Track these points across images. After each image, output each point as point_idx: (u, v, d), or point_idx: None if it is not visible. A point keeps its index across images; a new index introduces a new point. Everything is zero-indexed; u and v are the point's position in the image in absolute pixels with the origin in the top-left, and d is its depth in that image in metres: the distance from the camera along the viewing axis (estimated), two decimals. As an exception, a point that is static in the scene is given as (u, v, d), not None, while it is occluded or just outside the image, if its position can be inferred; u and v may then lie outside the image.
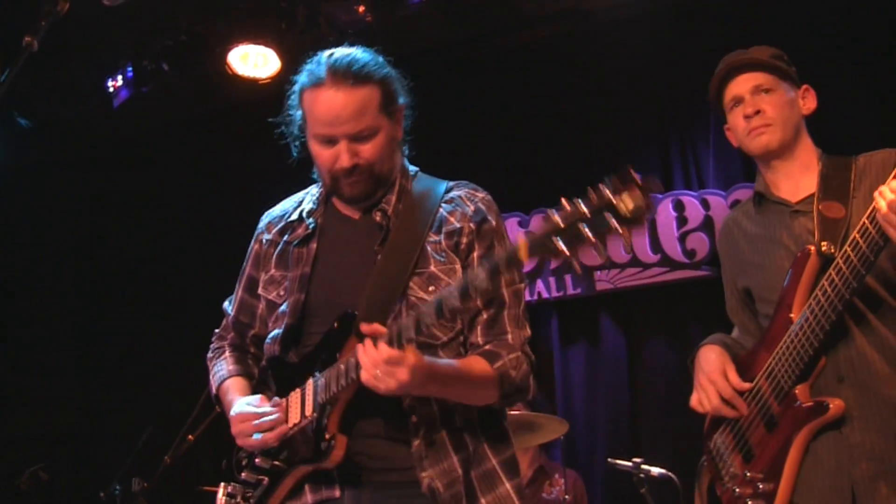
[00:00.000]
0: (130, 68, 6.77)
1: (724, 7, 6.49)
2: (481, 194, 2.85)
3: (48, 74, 6.86)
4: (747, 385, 3.04)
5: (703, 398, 3.13)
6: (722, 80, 3.22)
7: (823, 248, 2.88)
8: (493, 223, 2.78)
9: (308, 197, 2.96)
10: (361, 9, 5.83)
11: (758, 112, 3.11)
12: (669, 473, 4.98)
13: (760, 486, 2.94)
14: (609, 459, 5.20)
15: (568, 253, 2.13)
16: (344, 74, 2.65)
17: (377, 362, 2.36)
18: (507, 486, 2.66)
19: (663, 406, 6.39)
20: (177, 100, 7.22)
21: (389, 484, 2.60)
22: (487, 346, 2.66)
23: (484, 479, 2.63)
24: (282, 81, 6.42)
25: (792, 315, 2.91)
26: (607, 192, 2.07)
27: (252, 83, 6.53)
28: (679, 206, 6.43)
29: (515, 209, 6.89)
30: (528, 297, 6.67)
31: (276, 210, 3.03)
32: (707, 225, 6.35)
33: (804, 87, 3.21)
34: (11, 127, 7.50)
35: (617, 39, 6.71)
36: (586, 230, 2.09)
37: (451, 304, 2.33)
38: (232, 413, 2.73)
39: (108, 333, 8.23)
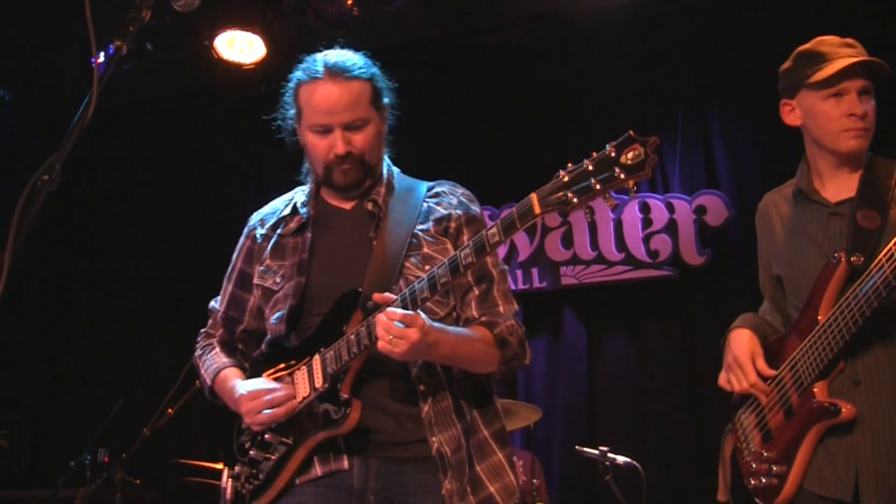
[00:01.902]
0: (112, 46, 6.79)
1: (692, 16, 6.71)
2: (461, 189, 3.08)
3: (32, 50, 6.91)
4: (773, 372, 3.15)
5: (732, 379, 3.23)
6: (842, 73, 3.07)
7: (853, 260, 2.95)
8: (478, 212, 3.02)
9: (298, 194, 3.12)
10: (349, 2, 5.91)
11: (865, 115, 3.07)
12: (634, 462, 5.12)
13: (774, 468, 3.10)
14: (577, 447, 5.34)
15: (576, 203, 2.31)
16: (340, 70, 2.88)
17: (390, 326, 2.52)
18: (500, 454, 2.84)
19: (620, 398, 6.59)
20: (158, 78, 7.24)
21: (397, 459, 2.74)
22: (483, 318, 2.85)
23: (478, 448, 2.81)
24: (266, 67, 6.54)
25: (819, 317, 3.01)
26: (610, 147, 2.28)
27: (234, 67, 6.59)
28: (645, 209, 6.62)
29: (487, 203, 6.97)
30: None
31: (267, 208, 3.19)
32: (671, 227, 6.56)
33: None
34: (-7, 99, 7.52)
35: (588, 44, 6.87)
36: (593, 181, 2.28)
37: (444, 279, 2.55)
38: (241, 392, 2.85)
39: (74, 303, 8.26)
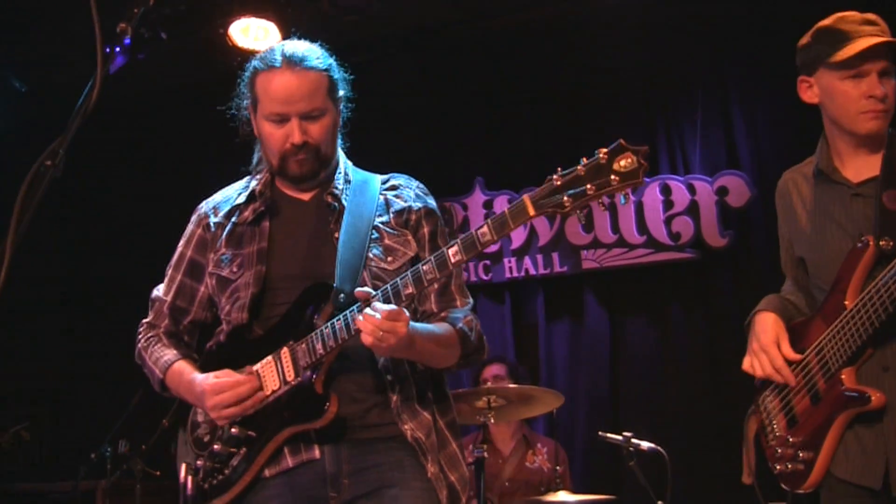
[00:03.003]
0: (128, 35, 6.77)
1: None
2: (416, 182, 3.11)
3: (45, 38, 6.89)
4: (798, 357, 3.10)
5: (756, 364, 3.19)
6: (863, 54, 2.99)
7: (882, 244, 2.91)
8: (435, 206, 3.06)
9: (252, 183, 3.08)
10: (364, -14, 5.88)
11: (885, 97, 3.01)
12: (658, 448, 5.07)
13: (801, 454, 3.06)
14: (600, 433, 5.29)
15: (571, 207, 2.35)
16: (297, 60, 2.87)
17: (380, 323, 2.52)
18: (454, 445, 2.89)
19: (643, 383, 6.56)
20: (173, 67, 7.23)
21: (366, 440, 2.76)
22: (442, 313, 2.90)
23: (438, 435, 2.85)
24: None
25: (846, 302, 2.96)
26: (602, 154, 2.32)
27: (249, 55, 6.55)
28: (666, 190, 6.56)
29: (505, 187, 7.00)
30: (515, 274, 6.82)
31: (218, 196, 3.16)
32: (692, 209, 6.49)
33: None
34: (7, 90, 7.49)
35: (606, 24, 6.79)
36: (588, 186, 2.32)
37: (429, 276, 2.57)
38: (204, 386, 2.79)
39: (93, 294, 8.25)
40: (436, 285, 2.88)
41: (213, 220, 3.06)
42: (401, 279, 2.61)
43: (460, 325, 2.87)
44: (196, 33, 6.56)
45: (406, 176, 3.12)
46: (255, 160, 3.14)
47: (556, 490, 5.07)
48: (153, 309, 3.15)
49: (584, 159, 2.34)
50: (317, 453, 2.75)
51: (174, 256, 3.14)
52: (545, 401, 5.35)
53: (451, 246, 2.55)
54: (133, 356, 7.69)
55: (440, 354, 2.84)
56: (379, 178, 3.08)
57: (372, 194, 2.99)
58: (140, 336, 3.16)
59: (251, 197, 3.02)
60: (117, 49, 7.02)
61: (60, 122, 2.26)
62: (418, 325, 2.75)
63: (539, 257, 6.88)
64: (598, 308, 6.79)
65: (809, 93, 3.18)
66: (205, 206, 3.15)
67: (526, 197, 2.43)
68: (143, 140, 8.23)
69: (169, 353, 3.02)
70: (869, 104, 3.02)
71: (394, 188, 3.04)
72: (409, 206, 2.98)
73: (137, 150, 8.26)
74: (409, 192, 3.04)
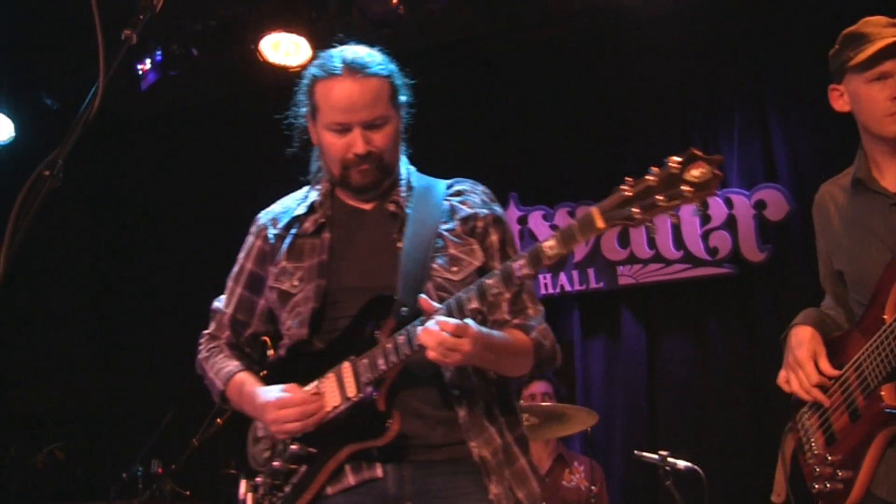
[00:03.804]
0: (159, 52, 6.81)
1: (748, 5, 6.54)
2: (482, 187, 2.99)
3: (77, 55, 6.90)
4: (836, 372, 3.02)
5: (793, 379, 3.10)
6: (880, 55, 2.96)
7: None
8: (501, 212, 2.95)
9: (311, 193, 3.00)
10: (395, 0, 5.85)
11: None
12: (695, 467, 5.01)
13: (840, 473, 2.97)
14: (636, 452, 5.24)
15: (641, 218, 2.21)
16: (359, 67, 2.77)
17: (444, 339, 2.43)
18: (522, 460, 2.77)
19: (680, 400, 6.46)
20: (204, 84, 7.25)
21: (431, 462, 2.66)
22: (515, 321, 2.78)
23: (505, 451, 2.73)
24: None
25: (885, 316, 2.87)
26: (673, 163, 2.17)
27: (280, 70, 6.55)
28: (703, 204, 6.44)
29: (540, 203, 6.92)
30: (550, 290, 6.75)
31: (277, 207, 3.07)
32: (730, 223, 6.41)
33: None
34: (38, 107, 7.52)
35: (641, 37, 6.74)
36: (659, 197, 2.17)
37: (494, 290, 2.46)
38: (266, 400, 2.72)
39: (127, 313, 8.25)
40: (507, 294, 2.74)
41: (272, 231, 2.98)
42: (465, 293, 2.50)
43: (534, 333, 2.78)
44: (227, 49, 6.57)
45: (471, 181, 3.01)
46: (313, 168, 3.05)
47: (592, 510, 5.01)
48: (214, 320, 3.09)
49: (655, 168, 2.20)
50: (379, 472, 2.66)
51: (234, 268, 3.07)
52: (579, 419, 5.27)
53: (517, 260, 2.44)
54: (164, 376, 7.69)
55: (513, 363, 2.75)
56: (444, 183, 2.98)
57: (436, 201, 2.89)
58: (201, 347, 3.09)
59: (311, 208, 2.95)
60: (148, 65, 6.98)
61: (90, 139, 2.21)
62: (492, 333, 2.65)
63: (575, 273, 6.81)
64: (634, 324, 6.72)
65: (840, 101, 3.12)
66: (263, 217, 3.07)
67: (594, 209, 2.28)
68: (176, 156, 8.26)
69: (230, 365, 2.95)
70: (894, 106, 2.95)
71: (459, 194, 2.93)
72: (476, 213, 2.87)
73: (171, 167, 8.29)
74: (476, 197, 2.93)
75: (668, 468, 5.03)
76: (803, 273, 5.87)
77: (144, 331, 8.10)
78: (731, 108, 6.60)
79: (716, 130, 6.64)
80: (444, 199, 2.90)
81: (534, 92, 7.16)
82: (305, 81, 2.89)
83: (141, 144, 8.28)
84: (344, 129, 2.76)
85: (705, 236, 6.46)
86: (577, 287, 6.79)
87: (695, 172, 2.15)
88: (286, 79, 6.68)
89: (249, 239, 3.05)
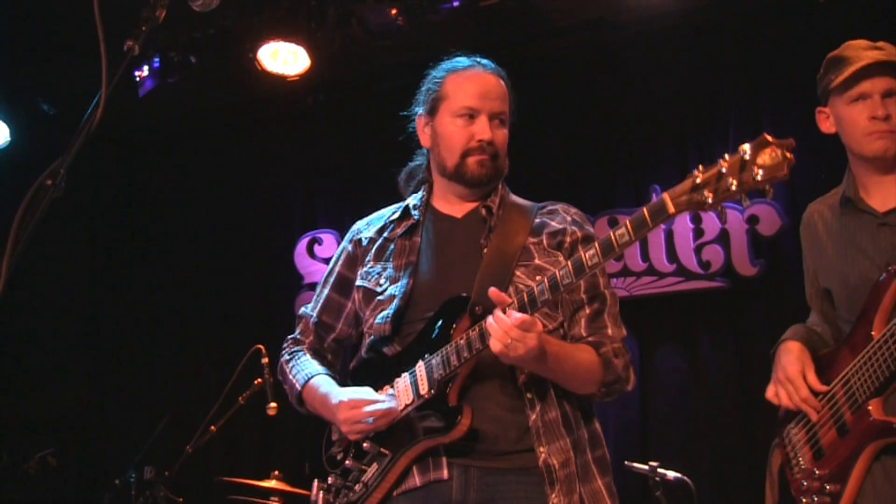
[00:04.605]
0: (157, 59, 6.82)
1: (747, 23, 6.59)
2: (574, 209, 3.04)
3: (74, 61, 6.92)
4: (824, 388, 3.07)
5: (782, 394, 3.16)
6: (857, 75, 3.07)
7: None
8: (592, 233, 2.97)
9: (410, 200, 3.08)
10: (394, 11, 5.86)
11: (887, 117, 3.04)
12: (685, 478, 5.02)
13: (828, 487, 3.02)
14: (626, 462, 5.24)
15: (714, 201, 2.23)
16: (493, 67, 2.98)
17: (510, 329, 2.45)
18: (600, 482, 2.77)
19: (672, 412, 6.46)
20: (202, 92, 7.26)
21: (498, 470, 2.67)
22: (591, 338, 2.80)
23: (583, 468, 2.73)
24: (310, 79, 6.52)
25: (873, 333, 2.94)
26: (745, 149, 2.20)
27: (278, 79, 6.57)
28: (696, 219, 6.49)
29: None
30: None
31: (373, 215, 3.16)
32: (723, 238, 6.42)
33: None
34: (35, 113, 7.53)
35: (639, 51, 6.77)
36: (731, 181, 2.19)
37: (566, 280, 2.48)
38: (340, 399, 2.78)
39: (120, 320, 8.24)
40: (587, 310, 2.82)
41: (364, 234, 3.07)
42: (538, 286, 2.53)
43: (604, 349, 2.78)
44: (225, 58, 6.58)
45: (565, 203, 3.06)
46: (402, 177, 3.16)
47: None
48: (300, 325, 3.16)
49: (727, 155, 2.23)
50: (445, 474, 2.69)
51: (325, 273, 3.15)
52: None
53: (588, 249, 2.46)
54: (158, 383, 7.69)
55: (576, 377, 2.73)
56: (537, 204, 3.04)
57: (527, 215, 2.94)
58: (284, 350, 3.16)
59: (404, 213, 3.03)
60: (146, 72, 6.98)
61: (89, 146, 2.23)
62: (556, 340, 2.68)
63: (569, 285, 6.79)
64: (627, 337, 6.67)
65: (826, 123, 3.23)
66: (359, 223, 3.16)
67: (665, 194, 2.32)
68: (172, 164, 8.27)
69: (310, 367, 3.02)
70: (872, 125, 3.04)
71: (551, 212, 2.99)
72: (565, 229, 2.91)
73: (167, 175, 8.30)
74: (566, 216, 2.97)
75: (657, 479, 5.03)
76: (795, 288, 5.82)
77: (138, 337, 8.10)
78: (727, 124, 6.62)
79: (712, 145, 6.64)
80: (536, 216, 2.94)
81: (530, 105, 7.15)
82: (435, 76, 3.00)
83: (137, 152, 8.29)
84: (473, 114, 2.88)
85: (698, 250, 6.47)
86: (571, 299, 6.77)
87: (766, 156, 2.18)
88: (284, 88, 6.79)
89: (342, 244, 3.13)
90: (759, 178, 2.16)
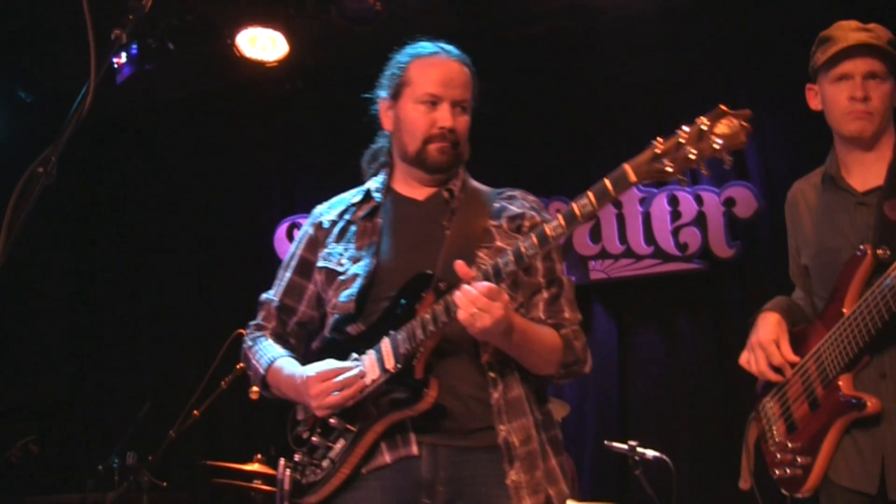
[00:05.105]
0: (135, 46, 6.80)
1: (724, 8, 6.62)
2: (532, 197, 3.08)
3: (53, 50, 6.90)
4: (796, 358, 3.15)
5: (752, 360, 3.24)
6: (839, 55, 3.13)
7: (879, 253, 2.96)
8: (550, 218, 2.96)
9: (370, 183, 3.10)
10: (372, -2, 5.88)
11: (865, 98, 3.09)
12: (663, 456, 5.09)
13: (799, 459, 3.10)
14: (605, 442, 5.31)
15: (675, 170, 2.32)
16: (457, 54, 2.99)
17: (476, 298, 2.49)
18: (554, 461, 2.80)
19: (651, 393, 6.54)
20: (180, 78, 7.24)
21: (466, 449, 2.70)
22: (550, 321, 2.84)
23: (541, 447, 2.77)
24: (289, 65, 6.52)
25: (844, 310, 3.00)
26: (702, 120, 2.29)
27: (257, 65, 6.57)
28: (673, 201, 6.56)
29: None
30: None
31: (334, 200, 3.17)
32: (699, 220, 6.49)
33: None
34: (12, 101, 7.50)
35: (618, 36, 6.77)
36: (689, 149, 2.29)
37: (531, 251, 2.51)
38: (308, 375, 2.78)
39: (101, 306, 8.25)
40: (545, 294, 2.86)
41: (326, 217, 3.08)
42: (502, 258, 2.56)
43: (564, 331, 2.83)
44: (204, 44, 6.56)
45: (523, 190, 3.10)
46: (366, 158, 3.17)
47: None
48: (261, 310, 3.16)
49: (685, 126, 2.31)
50: (414, 449, 2.70)
51: (286, 257, 3.16)
52: (551, 410, 5.33)
53: (552, 221, 2.50)
54: (140, 368, 7.68)
55: (539, 355, 2.77)
56: (496, 190, 3.07)
57: (487, 200, 2.98)
58: (246, 337, 3.16)
59: (366, 196, 3.05)
60: (123, 59, 6.97)
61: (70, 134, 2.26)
62: (521, 318, 2.71)
63: (547, 267, 6.84)
64: (606, 318, 6.79)
65: (815, 100, 3.28)
66: (320, 207, 3.17)
67: (626, 164, 2.39)
68: (150, 150, 8.25)
69: (272, 351, 3.02)
70: (851, 106, 3.11)
71: (509, 198, 3.02)
72: (524, 213, 2.94)
73: (146, 162, 8.29)
74: (525, 202, 3.01)
75: (637, 458, 5.10)
76: (771, 269, 5.94)
77: (120, 323, 8.10)
78: (704, 107, 6.65)
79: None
80: (495, 201, 2.98)
81: (510, 89, 7.19)
82: (399, 61, 3.01)
83: (115, 138, 8.27)
84: (436, 101, 2.90)
85: (675, 232, 6.54)
86: (550, 281, 6.81)
87: (723, 127, 2.27)
88: (263, 74, 6.79)
89: (303, 229, 3.14)
90: (716, 146, 2.26)
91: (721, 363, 6.28)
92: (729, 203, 6.44)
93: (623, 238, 6.69)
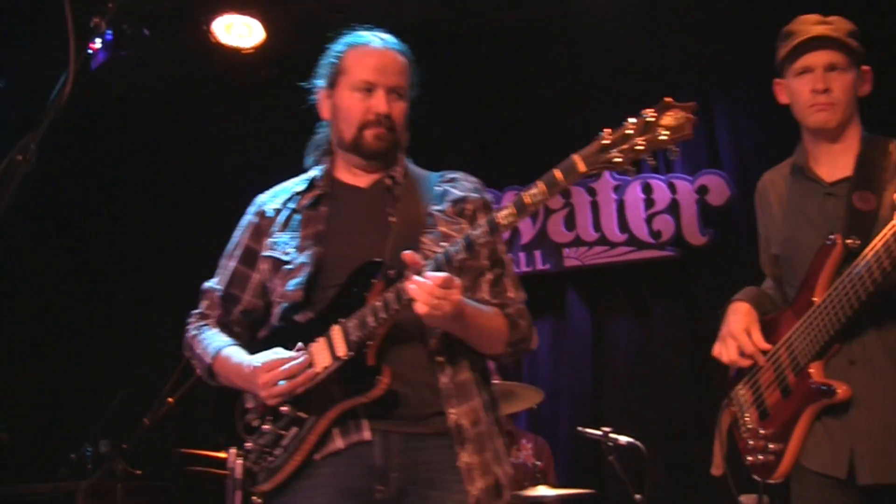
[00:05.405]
0: (110, 32, 6.76)
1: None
2: (474, 178, 3.10)
3: (24, 35, 6.85)
4: (768, 346, 3.20)
5: (723, 350, 3.29)
6: (798, 48, 3.19)
7: (849, 243, 3.01)
8: (491, 200, 3.07)
9: (312, 172, 3.11)
10: (350, -18, 5.87)
11: (826, 90, 3.14)
12: (636, 442, 5.13)
13: (771, 445, 3.15)
14: (578, 428, 5.35)
15: (624, 160, 2.38)
16: (392, 42, 3.00)
17: (433, 289, 2.52)
18: (500, 441, 2.86)
19: (625, 379, 6.59)
20: (156, 64, 7.20)
21: (418, 435, 2.73)
22: (495, 301, 2.88)
23: (487, 426, 2.82)
24: (265, 52, 6.48)
25: (814, 298, 3.05)
26: (649, 112, 2.37)
27: (233, 52, 6.55)
28: (647, 189, 6.61)
29: (489, 185, 6.95)
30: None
31: (276, 188, 3.17)
32: (673, 208, 6.55)
33: (865, 68, 3.24)
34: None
35: (590, 24, 6.77)
36: (637, 140, 2.36)
37: (482, 239, 2.56)
38: (255, 364, 2.79)
39: (74, 293, 8.19)
40: (489, 275, 2.90)
41: (269, 206, 3.09)
42: (452, 246, 2.59)
43: (509, 310, 2.87)
44: (179, 30, 6.53)
45: (463, 172, 3.12)
46: (308, 149, 3.18)
47: (536, 485, 5.10)
48: (204, 299, 3.15)
49: (632, 118, 2.38)
50: (367, 435, 2.71)
51: (229, 246, 3.15)
52: (526, 396, 5.39)
53: (503, 210, 2.54)
54: (114, 355, 7.61)
55: (488, 336, 2.82)
56: (437, 173, 3.10)
57: (429, 185, 3.01)
58: (189, 325, 3.14)
59: (310, 185, 3.06)
60: (98, 45, 6.93)
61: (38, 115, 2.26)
62: (472, 302, 2.74)
63: (521, 255, 6.91)
64: (580, 305, 6.83)
65: (783, 95, 3.34)
66: (262, 196, 3.17)
67: (575, 155, 2.43)
68: (125, 137, 8.20)
69: (219, 340, 3.01)
70: (813, 98, 3.17)
71: (451, 180, 3.05)
72: (467, 196, 2.97)
73: (120, 148, 8.23)
74: (467, 184, 3.04)
75: (610, 444, 5.14)
76: (743, 256, 5.95)
77: (93, 310, 8.05)
78: (677, 97, 6.67)
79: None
80: (437, 185, 3.01)
81: (483, 76, 7.22)
82: (335, 50, 3.03)
83: (89, 125, 8.22)
84: (370, 88, 2.92)
85: (649, 220, 6.60)
86: (524, 268, 6.88)
87: (671, 118, 2.34)
88: (239, 61, 6.76)
89: (246, 217, 3.14)
90: (663, 138, 2.34)
91: (694, 349, 6.33)
92: (702, 191, 6.50)
93: (597, 225, 6.73)
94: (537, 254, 6.89)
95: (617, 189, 6.70)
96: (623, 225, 6.67)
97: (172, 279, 7.90)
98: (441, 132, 7.07)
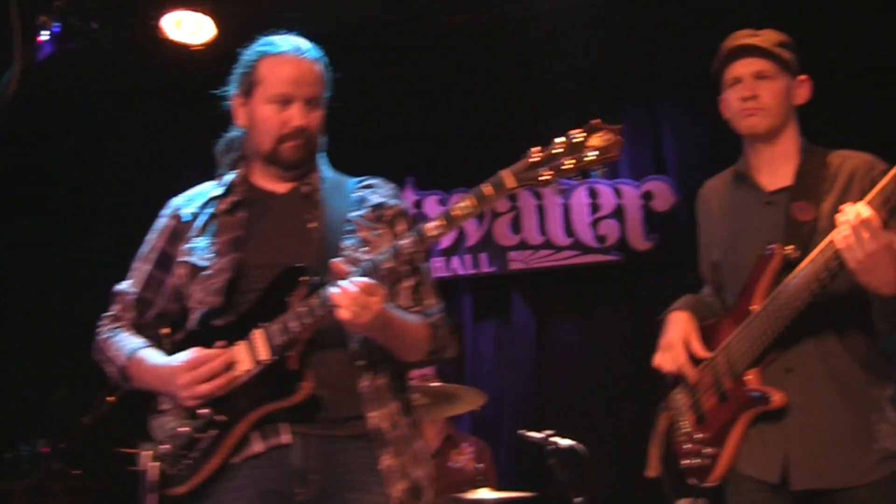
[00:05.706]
0: (57, 24, 6.65)
1: (646, 7, 6.71)
2: (391, 184, 3.14)
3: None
4: (707, 354, 3.25)
5: (664, 360, 3.36)
6: (726, 59, 3.30)
7: (787, 252, 3.07)
8: (407, 206, 3.11)
9: (226, 178, 3.10)
10: (302, -19, 5.84)
11: (753, 97, 3.22)
12: (576, 445, 5.16)
13: (707, 450, 3.21)
14: (519, 431, 5.38)
15: (552, 178, 2.45)
16: (306, 49, 2.97)
17: (356, 296, 2.53)
18: (420, 442, 2.90)
19: (568, 382, 6.63)
20: (103, 59, 7.11)
21: (338, 438, 2.74)
22: (415, 308, 2.91)
23: (407, 427, 2.86)
24: (216, 49, 6.43)
25: (753, 307, 3.11)
26: (578, 132, 2.45)
27: (182, 49, 6.48)
28: (593, 194, 6.67)
29: (437, 187, 7.07)
30: (443, 274, 6.84)
31: (192, 192, 3.15)
32: (618, 213, 6.62)
33: (801, 77, 3.31)
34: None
35: (541, 30, 6.86)
36: (565, 160, 2.44)
37: (407, 249, 2.61)
38: (174, 365, 2.76)
39: (11, 287, 8.10)
40: (409, 282, 2.91)
41: (185, 210, 3.06)
42: (380, 255, 2.63)
43: (430, 319, 2.90)
44: (128, 24, 6.45)
45: (380, 178, 3.14)
46: (220, 148, 3.17)
47: (477, 487, 5.10)
48: (117, 302, 3.10)
49: (561, 137, 2.45)
50: (287, 438, 2.71)
51: (142, 249, 3.10)
52: (468, 399, 5.39)
53: (432, 221, 2.59)
54: (52, 353, 7.47)
55: (409, 344, 2.84)
56: (354, 179, 3.10)
57: (347, 190, 3.02)
58: (101, 328, 3.10)
59: (227, 190, 3.04)
60: (46, 38, 6.85)
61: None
62: (395, 310, 2.76)
63: (467, 257, 6.94)
64: (524, 308, 6.86)
65: (726, 111, 3.40)
66: (176, 200, 3.14)
67: (504, 171, 2.49)
68: (69, 134, 8.09)
69: (133, 342, 2.97)
70: (741, 105, 3.25)
71: (369, 186, 3.07)
72: (385, 202, 3.00)
73: (63, 146, 8.12)
74: (385, 190, 3.07)
75: (551, 447, 5.17)
76: (687, 262, 5.93)
77: (28, 307, 7.94)
78: (624, 104, 6.76)
79: (608, 124, 6.73)
80: (355, 191, 3.03)
81: (433, 79, 7.22)
82: (248, 58, 3.01)
83: (33, 119, 8.10)
84: (286, 101, 2.90)
85: (594, 224, 6.65)
86: (470, 271, 6.92)
87: (598, 139, 2.43)
88: (188, 57, 6.69)
89: (161, 220, 3.11)
90: (590, 159, 2.43)
91: (637, 353, 6.33)
92: (647, 196, 6.57)
93: (543, 229, 6.77)
94: (482, 256, 6.91)
95: (563, 193, 6.75)
96: (569, 229, 6.71)
97: (112, 277, 7.81)
98: (389, 134, 7.08)
